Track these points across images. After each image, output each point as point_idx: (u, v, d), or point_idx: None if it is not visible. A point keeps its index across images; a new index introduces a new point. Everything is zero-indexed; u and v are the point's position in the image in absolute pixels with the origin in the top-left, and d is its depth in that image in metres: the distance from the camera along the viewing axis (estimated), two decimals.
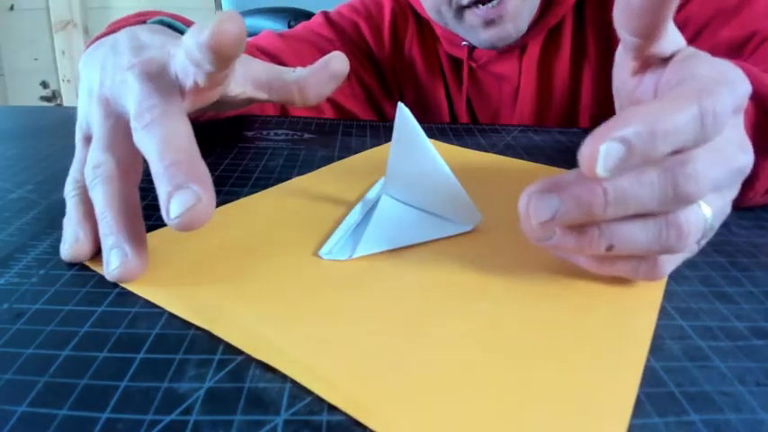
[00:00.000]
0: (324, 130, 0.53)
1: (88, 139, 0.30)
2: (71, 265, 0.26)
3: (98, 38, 0.38)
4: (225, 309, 0.23)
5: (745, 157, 0.23)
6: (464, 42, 0.61)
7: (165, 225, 0.25)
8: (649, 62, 0.26)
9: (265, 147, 0.46)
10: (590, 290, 0.25)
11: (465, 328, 0.22)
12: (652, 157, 0.19)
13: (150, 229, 0.27)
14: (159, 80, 0.28)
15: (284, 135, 0.50)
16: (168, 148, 0.24)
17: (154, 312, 0.23)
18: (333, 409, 0.18)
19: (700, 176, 0.21)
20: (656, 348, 0.21)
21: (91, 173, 0.26)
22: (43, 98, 2.15)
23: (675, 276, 0.27)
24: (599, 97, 0.60)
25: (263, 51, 0.59)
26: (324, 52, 0.64)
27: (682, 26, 0.52)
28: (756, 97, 0.31)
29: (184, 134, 0.25)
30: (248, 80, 0.34)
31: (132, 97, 0.27)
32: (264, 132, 0.50)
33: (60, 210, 0.28)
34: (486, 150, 0.46)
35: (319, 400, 0.18)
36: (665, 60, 0.25)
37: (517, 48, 0.60)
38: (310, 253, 0.28)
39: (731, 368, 0.20)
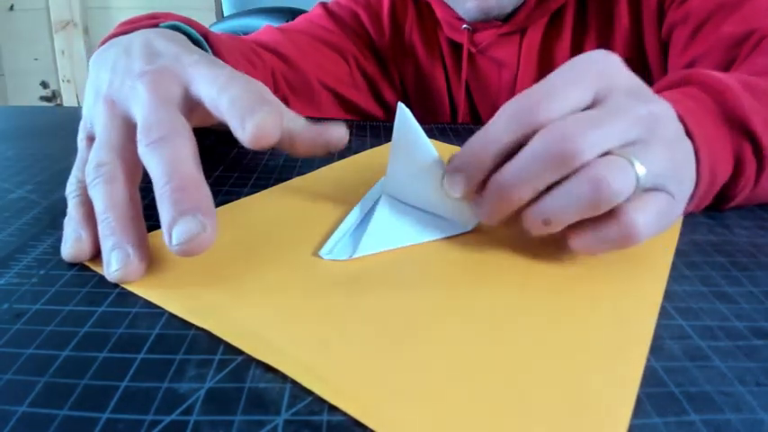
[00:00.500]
0: None
1: (91, 140, 0.30)
2: (71, 265, 0.26)
3: (110, 37, 0.38)
4: (225, 309, 0.23)
5: (643, 107, 0.26)
6: (464, 26, 0.61)
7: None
8: None
9: None
10: (590, 290, 0.25)
11: (465, 328, 0.22)
12: (485, 166, 0.26)
13: (150, 229, 0.27)
14: (169, 93, 0.28)
15: None
16: (174, 169, 0.24)
17: (154, 312, 0.23)
18: (333, 409, 0.18)
19: (575, 137, 0.23)
20: (656, 348, 0.21)
21: (92, 172, 0.26)
22: (43, 98, 2.15)
23: (675, 276, 0.27)
24: None
25: (264, 46, 0.59)
26: (324, 44, 0.64)
27: (683, 20, 0.52)
28: (718, 100, 0.32)
29: (190, 155, 0.25)
30: None
31: (140, 107, 0.27)
32: None
33: (61, 210, 0.28)
34: None
35: (319, 400, 0.18)
36: None
37: (518, 32, 0.60)
38: (310, 253, 0.28)
39: (731, 368, 0.20)
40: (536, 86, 0.26)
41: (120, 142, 0.28)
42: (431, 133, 0.50)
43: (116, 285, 0.24)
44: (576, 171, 0.24)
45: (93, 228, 0.26)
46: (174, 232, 0.23)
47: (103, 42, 0.38)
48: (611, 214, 0.24)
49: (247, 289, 0.24)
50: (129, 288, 0.24)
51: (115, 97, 0.29)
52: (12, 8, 2.03)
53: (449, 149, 0.46)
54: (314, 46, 0.64)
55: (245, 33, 0.63)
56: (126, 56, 0.32)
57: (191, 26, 0.41)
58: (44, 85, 2.13)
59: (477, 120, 0.67)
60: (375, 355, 0.20)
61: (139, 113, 0.27)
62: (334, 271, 0.26)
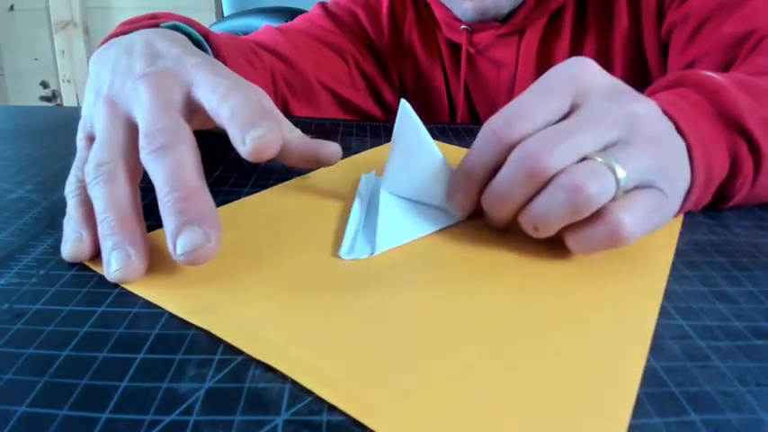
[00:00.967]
0: (324, 130, 0.53)
1: (90, 139, 0.30)
2: (71, 265, 0.26)
3: (111, 37, 0.38)
4: (225, 309, 0.23)
5: (620, 108, 0.27)
6: (463, 26, 0.61)
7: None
8: None
9: None
10: (590, 290, 0.25)
11: (465, 328, 0.22)
12: (475, 187, 0.28)
13: (150, 229, 0.27)
14: (170, 96, 0.28)
15: None
16: (177, 178, 0.24)
17: (154, 312, 0.23)
18: (333, 409, 0.18)
19: (541, 152, 0.25)
20: (656, 348, 0.21)
21: (92, 171, 0.26)
22: (43, 98, 2.15)
23: (675, 276, 0.27)
24: None
25: (263, 47, 0.59)
26: (323, 43, 0.64)
27: (682, 21, 0.52)
28: (711, 100, 0.33)
29: (193, 163, 0.25)
30: None
31: (142, 110, 0.27)
32: None
33: (60, 210, 0.28)
34: None
35: (319, 400, 0.18)
36: None
37: (516, 33, 0.60)
38: (310, 253, 0.28)
39: (731, 368, 0.20)
40: (511, 104, 0.27)
41: (120, 142, 0.28)
42: (431, 133, 0.50)
43: (116, 285, 0.24)
44: (552, 180, 0.25)
45: (94, 228, 0.26)
46: (178, 242, 0.23)
47: (104, 42, 0.38)
48: (597, 215, 0.25)
49: (247, 289, 0.24)
50: (129, 288, 0.24)
51: (116, 97, 0.29)
52: (12, 8, 2.03)
53: (448, 149, 0.46)
54: (313, 46, 0.64)
55: (245, 33, 0.63)
56: (127, 56, 0.32)
57: (191, 26, 0.41)
58: (44, 85, 2.13)
59: (476, 119, 0.67)
60: (375, 355, 0.20)
61: (142, 117, 0.27)
62: (335, 271, 0.26)
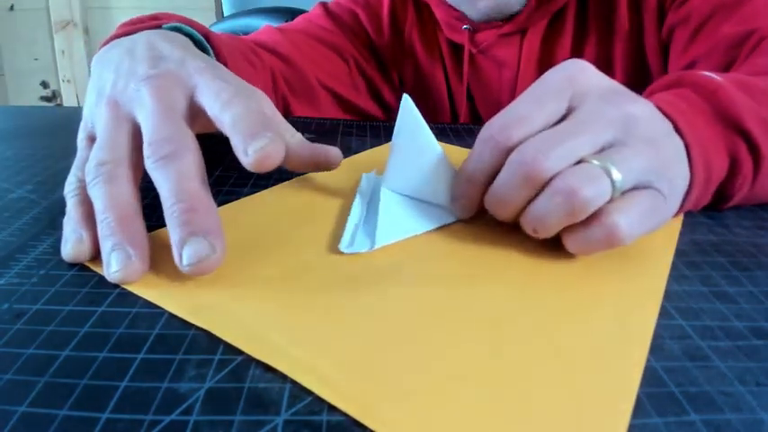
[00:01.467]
0: (324, 130, 0.53)
1: (91, 140, 0.30)
2: (71, 265, 0.26)
3: (113, 38, 0.38)
4: (225, 309, 0.23)
5: (615, 110, 0.27)
6: (465, 26, 0.61)
7: (164, 225, 0.25)
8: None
9: None
10: (590, 290, 0.25)
11: (465, 328, 0.22)
12: (477, 191, 0.29)
13: (150, 229, 0.27)
14: (173, 101, 0.28)
15: None
16: (182, 189, 0.25)
17: (154, 312, 0.23)
18: (333, 409, 0.18)
19: (537, 157, 0.25)
20: (656, 348, 0.21)
21: (93, 171, 0.26)
22: (43, 98, 2.15)
23: (675, 276, 0.27)
24: None
25: (263, 46, 0.59)
26: (323, 44, 0.64)
27: (683, 21, 0.52)
28: (709, 100, 0.33)
29: (198, 173, 0.26)
30: None
31: (145, 114, 0.27)
32: None
33: (60, 209, 0.28)
34: None
35: (319, 400, 0.18)
36: None
37: (518, 32, 0.60)
38: (310, 253, 0.28)
39: (731, 368, 0.20)
40: (508, 108, 0.28)
41: (121, 143, 0.28)
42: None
43: (116, 285, 0.24)
44: (549, 184, 0.25)
45: (94, 228, 0.26)
46: (184, 253, 0.24)
47: (106, 43, 0.38)
48: (594, 217, 0.25)
49: (247, 289, 0.24)
50: (129, 288, 0.24)
51: (119, 99, 0.29)
52: (12, 8, 2.03)
53: (449, 149, 0.46)
54: (313, 46, 0.64)
55: (246, 33, 0.63)
56: (130, 57, 0.32)
57: (192, 27, 0.41)
58: (44, 85, 2.13)
59: (478, 119, 0.67)
60: (375, 355, 0.20)
61: (145, 123, 0.27)
62: (335, 271, 0.26)
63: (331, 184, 0.37)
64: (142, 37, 0.34)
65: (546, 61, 0.60)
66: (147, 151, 0.26)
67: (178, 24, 0.40)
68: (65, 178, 0.29)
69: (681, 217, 0.33)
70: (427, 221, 0.30)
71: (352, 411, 0.17)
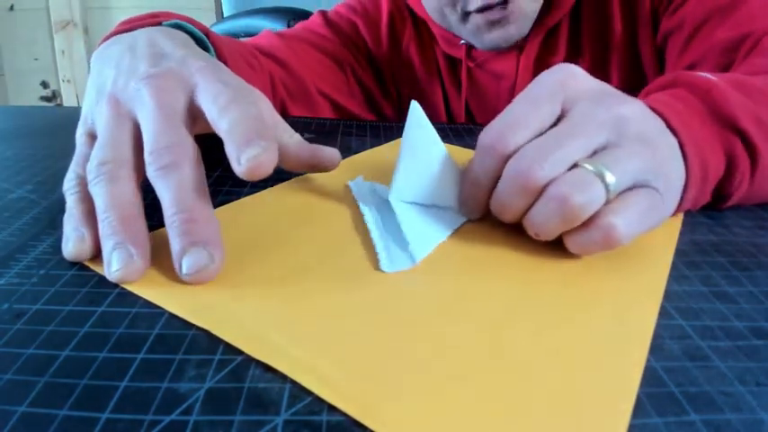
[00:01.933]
0: (324, 130, 0.53)
1: (91, 136, 0.30)
2: (71, 265, 0.26)
3: (112, 35, 0.38)
4: (225, 309, 0.23)
5: (605, 112, 0.27)
6: (462, 41, 0.61)
7: (164, 225, 0.25)
8: None
9: None
10: (590, 290, 0.25)
11: (465, 329, 0.22)
12: (483, 195, 0.29)
13: (151, 228, 0.27)
14: (174, 102, 0.28)
15: None
16: (183, 198, 0.25)
17: (154, 312, 0.23)
18: (333, 409, 0.18)
19: (533, 166, 0.26)
20: (656, 348, 0.21)
21: (95, 170, 0.26)
22: (43, 98, 2.15)
23: (675, 276, 0.27)
24: None
25: (262, 51, 0.59)
26: (322, 52, 0.65)
27: (677, 27, 0.52)
28: (705, 99, 0.33)
29: (198, 182, 0.26)
30: None
31: (146, 116, 0.27)
32: None
33: (60, 210, 0.28)
34: None
35: (319, 400, 0.18)
36: None
37: (515, 48, 0.60)
38: (310, 253, 0.28)
39: (731, 368, 0.20)
40: (503, 115, 0.29)
41: (123, 142, 0.28)
42: None
43: (116, 285, 0.24)
44: (544, 191, 0.26)
45: (95, 227, 0.26)
46: (184, 262, 0.24)
47: (105, 39, 0.38)
48: (591, 219, 0.26)
49: (247, 289, 0.24)
50: (129, 288, 0.24)
51: (119, 97, 0.29)
52: (12, 8, 2.03)
53: (450, 149, 0.46)
54: (312, 54, 0.64)
55: (246, 34, 0.63)
56: (131, 54, 0.32)
57: (192, 26, 0.41)
58: (44, 85, 2.13)
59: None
60: (375, 355, 0.20)
61: (146, 126, 0.27)
62: (334, 271, 0.26)
63: (330, 185, 0.37)
64: (143, 34, 0.34)
65: None
66: (148, 158, 0.26)
67: (178, 22, 0.40)
68: (65, 178, 0.29)
69: (681, 217, 0.33)
70: (446, 226, 0.30)
71: (352, 411, 0.17)
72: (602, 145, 0.27)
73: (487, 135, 0.28)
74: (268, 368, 0.19)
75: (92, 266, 0.26)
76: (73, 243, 0.26)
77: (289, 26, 1.01)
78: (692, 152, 0.30)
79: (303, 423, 0.17)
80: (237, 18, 1.22)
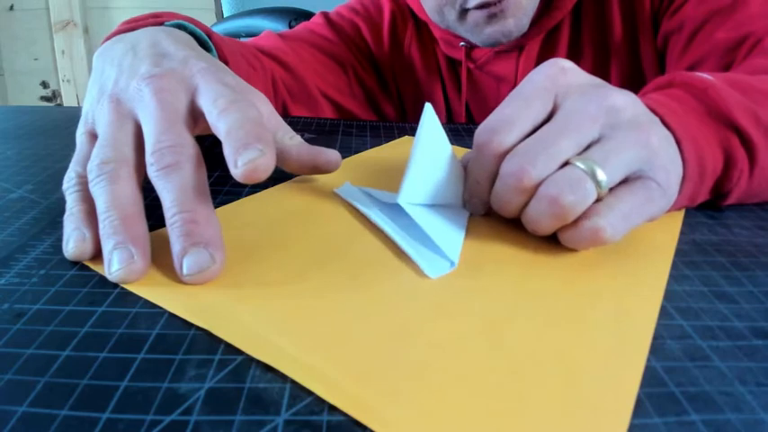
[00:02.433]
0: (324, 130, 0.53)
1: (91, 135, 0.30)
2: (71, 265, 0.26)
3: (114, 34, 0.38)
4: (225, 309, 0.23)
5: (596, 106, 0.28)
6: (462, 43, 0.61)
7: (164, 225, 0.25)
8: None
9: None
10: (590, 290, 0.25)
11: (465, 329, 0.22)
12: (485, 191, 0.30)
13: (151, 229, 0.27)
14: (175, 102, 0.28)
15: None
16: (185, 199, 0.25)
17: (154, 312, 0.23)
18: (333, 409, 0.18)
19: (525, 167, 0.26)
20: (656, 348, 0.21)
21: (95, 170, 0.26)
22: (43, 98, 2.15)
23: (675, 276, 0.27)
24: None
25: (264, 52, 0.59)
26: (324, 53, 0.65)
27: (678, 28, 0.52)
28: (701, 98, 0.33)
29: (200, 182, 0.26)
30: None
31: (147, 116, 0.27)
32: None
33: (61, 210, 0.28)
34: None
35: (319, 400, 0.18)
36: None
37: (515, 49, 0.60)
38: (310, 253, 0.28)
39: (731, 368, 0.20)
40: (496, 113, 0.29)
41: (124, 142, 0.28)
42: None
43: (116, 285, 0.24)
44: (537, 189, 0.27)
45: (96, 227, 0.26)
46: (184, 263, 0.24)
47: (108, 39, 0.38)
48: (582, 217, 0.26)
49: (247, 289, 0.24)
50: (129, 288, 0.24)
51: (121, 96, 0.29)
52: (12, 8, 2.03)
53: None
54: (314, 55, 0.64)
55: (246, 34, 0.63)
56: (133, 54, 0.32)
57: (194, 26, 0.41)
58: (44, 85, 2.13)
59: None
60: (375, 355, 0.20)
61: (147, 126, 0.27)
62: (334, 271, 0.26)
63: (331, 185, 0.37)
64: (146, 34, 0.34)
65: None
66: (149, 159, 0.26)
67: (180, 22, 0.40)
68: (64, 177, 0.29)
69: (681, 216, 0.33)
70: (459, 223, 0.30)
71: (352, 411, 0.17)
72: (595, 138, 0.27)
73: (481, 134, 0.29)
74: (268, 368, 0.19)
75: (92, 266, 0.26)
76: (74, 243, 0.26)
77: (290, 26, 1.01)
78: (689, 148, 0.30)
79: (303, 423, 0.17)
80: (237, 18, 1.22)
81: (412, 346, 0.21)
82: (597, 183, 0.26)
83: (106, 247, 0.25)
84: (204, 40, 0.42)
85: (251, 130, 0.26)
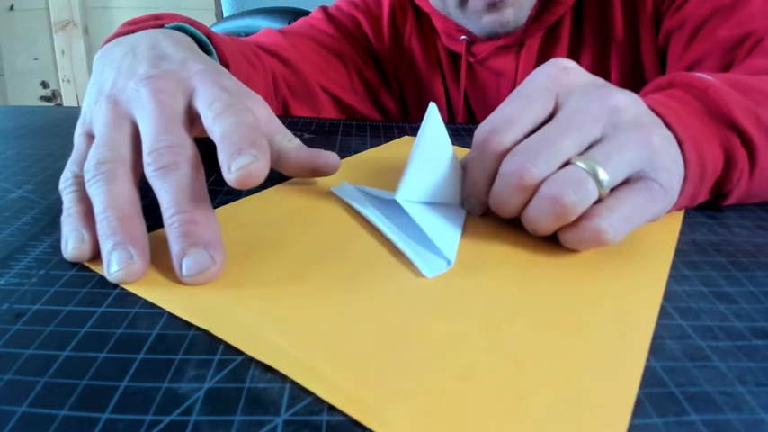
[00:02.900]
0: (324, 130, 0.53)
1: (89, 136, 0.30)
2: (71, 265, 0.26)
3: (115, 36, 0.38)
4: (225, 309, 0.23)
5: (597, 105, 0.28)
6: (463, 37, 0.61)
7: (162, 226, 0.25)
8: None
9: None
10: (590, 290, 0.25)
11: (465, 328, 0.22)
12: (484, 191, 0.30)
13: (150, 229, 0.27)
14: (173, 103, 0.28)
15: None
16: (183, 199, 0.25)
17: (154, 312, 0.23)
18: (333, 409, 0.18)
19: (526, 166, 0.26)
20: (656, 348, 0.21)
21: (92, 170, 0.26)
22: (43, 98, 2.15)
23: (675, 276, 0.27)
24: None
25: (265, 49, 0.59)
26: (324, 48, 0.65)
27: (679, 26, 0.52)
28: (699, 97, 0.33)
29: (198, 182, 0.26)
30: None
31: (145, 117, 0.27)
32: None
33: (60, 210, 0.28)
34: None
35: (319, 400, 0.18)
36: None
37: (516, 45, 0.60)
38: (310, 253, 0.28)
39: (731, 368, 0.20)
40: (497, 112, 0.29)
41: (121, 142, 0.28)
42: None
43: (116, 285, 0.24)
44: (538, 189, 0.26)
45: (94, 227, 0.26)
46: (184, 263, 0.24)
47: (108, 41, 0.38)
48: (582, 217, 0.26)
49: (247, 289, 0.24)
50: (129, 288, 0.24)
51: (119, 98, 0.29)
52: (12, 8, 2.03)
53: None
54: (314, 50, 0.64)
55: (246, 34, 0.63)
56: (132, 56, 0.32)
57: (195, 27, 0.41)
58: (44, 85, 2.13)
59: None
60: (374, 355, 0.20)
61: (145, 126, 0.27)
62: (333, 270, 0.26)
63: (330, 185, 0.37)
64: (146, 36, 0.34)
65: None
66: (147, 159, 0.26)
67: (181, 24, 0.40)
68: (61, 176, 0.29)
69: (681, 216, 0.33)
70: (456, 223, 0.30)
71: (352, 411, 0.17)
72: (597, 138, 0.27)
73: (482, 133, 0.29)
74: (268, 368, 0.19)
75: (91, 267, 0.26)
76: (72, 244, 0.26)
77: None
78: (690, 148, 0.30)
79: (303, 423, 0.17)
80: (237, 18, 1.22)
81: (412, 346, 0.21)
82: (599, 183, 0.26)
83: (105, 248, 0.25)
84: (205, 43, 0.42)
85: (245, 134, 0.26)
